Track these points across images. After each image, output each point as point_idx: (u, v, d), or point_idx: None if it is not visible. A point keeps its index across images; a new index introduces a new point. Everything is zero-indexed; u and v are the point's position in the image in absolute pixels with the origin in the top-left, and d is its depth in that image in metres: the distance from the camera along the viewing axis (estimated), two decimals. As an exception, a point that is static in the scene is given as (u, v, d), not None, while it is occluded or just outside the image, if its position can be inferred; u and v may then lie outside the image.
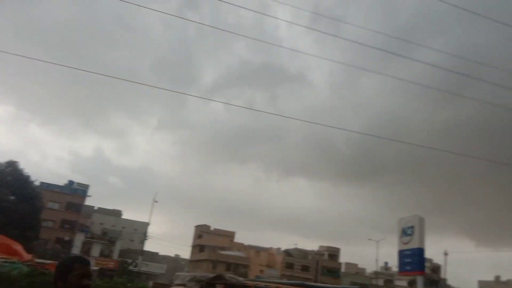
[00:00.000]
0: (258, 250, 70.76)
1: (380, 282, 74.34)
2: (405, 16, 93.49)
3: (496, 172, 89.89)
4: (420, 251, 26.31)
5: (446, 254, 45.14)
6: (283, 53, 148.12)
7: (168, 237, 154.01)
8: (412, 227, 26.67)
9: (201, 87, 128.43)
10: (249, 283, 17.84)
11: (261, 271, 64.50)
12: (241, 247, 70.23)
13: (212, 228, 73.54)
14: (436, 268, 74.18)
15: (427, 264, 62.47)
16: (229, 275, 18.05)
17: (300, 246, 73.97)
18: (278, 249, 72.81)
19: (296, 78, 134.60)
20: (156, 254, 73.29)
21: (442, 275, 72.63)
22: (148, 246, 66.55)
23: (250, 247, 70.96)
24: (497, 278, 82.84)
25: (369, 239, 70.77)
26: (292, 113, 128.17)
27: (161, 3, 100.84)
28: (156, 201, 55.06)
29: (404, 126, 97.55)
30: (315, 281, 66.39)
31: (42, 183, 58.29)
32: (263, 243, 76.83)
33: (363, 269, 79.31)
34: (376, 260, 67.01)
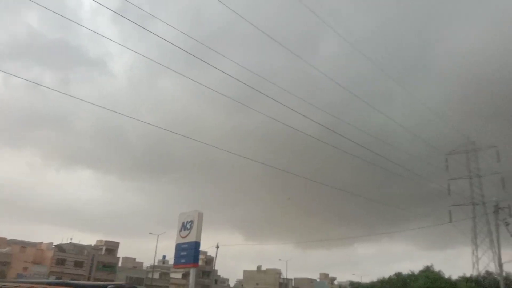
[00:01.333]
0: (24, 245, 62.46)
1: (156, 275, 75.31)
2: (213, 26, 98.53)
3: (268, 176, 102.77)
4: (196, 245, 27.53)
5: (217, 247, 49.03)
6: (83, 34, 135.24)
7: None
8: (191, 221, 27.75)
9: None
10: None
11: (26, 268, 57.22)
12: (2, 242, 60.84)
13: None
14: (209, 260, 79.53)
15: (201, 257, 66.62)
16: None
17: (77, 241, 68.73)
18: (50, 244, 65.81)
19: (94, 63, 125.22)
20: None
21: (214, 267, 78.54)
22: None
23: (14, 242, 62.09)
24: (259, 267, 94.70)
25: (150, 233, 70.94)
26: (86, 97, 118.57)
27: None
28: None
29: (198, 127, 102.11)
30: (89, 278, 62.75)
31: None
32: (33, 238, 68.40)
33: (141, 263, 78.98)
34: (155, 254, 67.66)
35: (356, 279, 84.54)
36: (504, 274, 30.56)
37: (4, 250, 58.61)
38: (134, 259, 78.12)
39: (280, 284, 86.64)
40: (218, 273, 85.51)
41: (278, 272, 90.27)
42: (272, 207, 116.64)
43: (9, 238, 63.11)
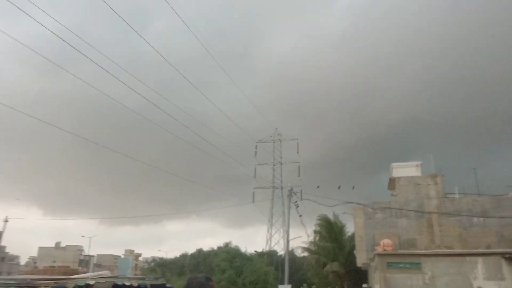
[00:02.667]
0: None
1: None
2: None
3: (77, 148, 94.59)
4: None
5: (6, 220, 42.83)
6: None
7: None
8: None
9: None
10: None
11: None
12: None
13: None
14: (-4, 236, 69.52)
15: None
16: None
17: None
18: None
19: None
20: None
21: (1, 243, 68.97)
22: None
23: None
24: (58, 244, 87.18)
25: None
26: None
27: None
28: None
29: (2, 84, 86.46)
30: None
31: None
32: None
33: None
34: None
35: (161, 255, 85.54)
36: (290, 249, 34.90)
37: None
38: None
39: (81, 261, 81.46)
40: (7, 250, 75.58)
41: (79, 249, 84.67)
42: (79, 181, 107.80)
43: None
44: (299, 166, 53.70)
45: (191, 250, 53.54)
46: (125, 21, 17.97)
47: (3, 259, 74.75)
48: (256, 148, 55.56)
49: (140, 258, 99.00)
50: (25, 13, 13.39)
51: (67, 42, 14.99)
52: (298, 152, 55.07)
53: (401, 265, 18.98)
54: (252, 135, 57.78)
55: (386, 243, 21.34)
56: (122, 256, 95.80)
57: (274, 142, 56.54)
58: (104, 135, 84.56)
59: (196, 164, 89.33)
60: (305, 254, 39.04)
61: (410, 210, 23.65)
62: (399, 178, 24.72)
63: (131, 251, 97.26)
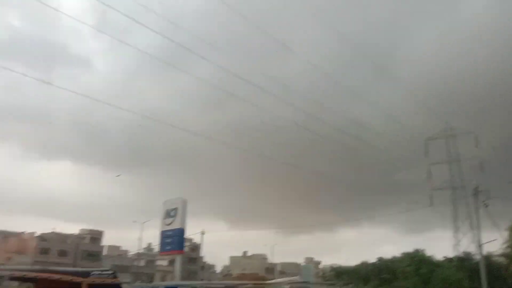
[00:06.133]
0: (6, 235, 61.73)
1: (142, 263, 75.31)
2: (190, 34, 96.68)
3: (247, 165, 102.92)
4: (180, 232, 27.53)
5: (203, 233, 48.97)
6: (65, 31, 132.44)
7: None
8: (175, 209, 27.66)
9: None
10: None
11: (9, 258, 56.55)
12: (-16, 232, 59.99)
13: None
14: (194, 247, 79.71)
15: (187, 244, 66.56)
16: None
17: (60, 231, 68.03)
18: (32, 233, 65.07)
19: (76, 60, 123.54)
20: None
21: (200, 254, 78.84)
22: None
23: (-5, 232, 61.30)
24: (245, 253, 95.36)
25: (134, 221, 70.68)
26: (68, 95, 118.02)
27: None
28: None
29: (176, 122, 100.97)
30: (74, 266, 62.35)
31: None
32: (15, 228, 67.42)
33: (126, 251, 78.78)
34: (139, 240, 67.55)
35: (340, 262, 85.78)
36: (484, 253, 31.29)
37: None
38: (119, 247, 77.84)
39: (266, 268, 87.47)
40: (204, 260, 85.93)
41: (263, 257, 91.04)
42: (252, 195, 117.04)
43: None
44: (481, 161, 48.19)
45: (367, 257, 52.84)
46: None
47: (202, 267, 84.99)
48: (426, 146, 51.94)
49: (320, 266, 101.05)
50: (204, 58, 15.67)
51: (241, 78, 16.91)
52: (477, 147, 49.43)
53: None
54: (413, 135, 54.40)
55: None
56: (303, 264, 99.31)
57: (446, 138, 51.83)
58: (270, 151, 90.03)
59: (359, 170, 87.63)
60: (503, 259, 34.54)
61: None
62: None
63: (311, 259, 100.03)
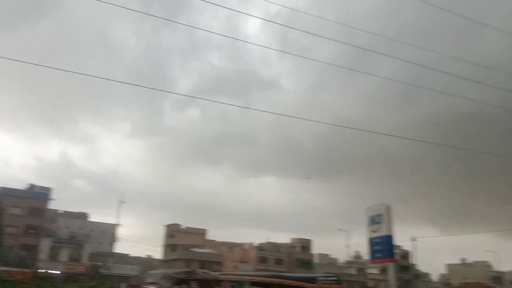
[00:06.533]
0: (231, 246, 70.43)
1: (353, 271, 75.65)
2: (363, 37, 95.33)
3: (449, 162, 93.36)
4: (388, 238, 26.66)
5: (414, 240, 46.27)
6: (255, 61, 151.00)
7: (139, 238, 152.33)
8: (380, 215, 27.03)
9: (177, 97, 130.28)
10: (223, 277, 17.76)
11: (235, 267, 64.34)
12: (214, 244, 69.70)
13: (183, 227, 72.72)
14: (405, 255, 76.15)
15: (396, 251, 64.29)
16: (201, 271, 17.86)
17: (272, 240, 74.15)
18: (251, 244, 72.72)
19: (268, 84, 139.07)
20: (126, 255, 71.87)
21: (411, 261, 74.73)
22: (118, 248, 64.99)
23: (222, 244, 70.54)
24: (463, 260, 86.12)
25: (339, 229, 71.59)
26: (264, 116, 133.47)
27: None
28: (123, 202, 54.29)
29: (365, 126, 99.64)
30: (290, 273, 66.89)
31: (3, 188, 56.04)
32: (235, 240, 76.87)
33: (335, 259, 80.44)
34: (347, 247, 68.09)
35: None
36: None
37: (212, 251, 66.77)
38: (328, 255, 79.97)
39: (493, 277, 76.91)
40: (417, 268, 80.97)
41: (487, 265, 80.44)
42: (462, 194, 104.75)
43: (218, 240, 72.18)
44: None
45: None
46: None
47: (416, 276, 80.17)
48: None
49: None
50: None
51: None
52: None
53: None
54: None
55: None
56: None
57: None
58: (479, 143, 79.79)
59: None
60: None
61: None
62: None
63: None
